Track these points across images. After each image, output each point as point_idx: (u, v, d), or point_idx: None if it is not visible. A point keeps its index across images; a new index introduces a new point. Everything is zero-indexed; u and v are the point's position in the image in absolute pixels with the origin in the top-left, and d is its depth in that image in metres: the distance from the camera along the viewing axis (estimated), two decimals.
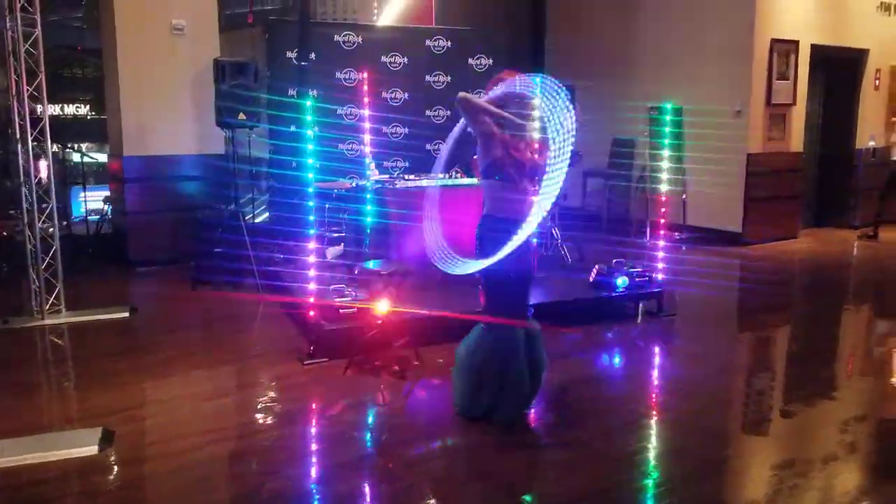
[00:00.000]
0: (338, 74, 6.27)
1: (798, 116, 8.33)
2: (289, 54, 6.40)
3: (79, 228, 7.55)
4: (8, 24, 4.78)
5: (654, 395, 4.11)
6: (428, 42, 6.94)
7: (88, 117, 12.06)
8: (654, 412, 3.83)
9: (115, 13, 6.34)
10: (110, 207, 7.28)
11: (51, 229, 5.16)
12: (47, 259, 5.16)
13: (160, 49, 6.49)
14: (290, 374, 4.14)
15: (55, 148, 7.05)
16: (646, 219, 8.38)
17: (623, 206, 9.06)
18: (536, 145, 3.36)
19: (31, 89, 4.89)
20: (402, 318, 4.27)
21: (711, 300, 6.02)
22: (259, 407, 3.76)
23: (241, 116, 5.61)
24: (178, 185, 6.65)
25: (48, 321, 5.10)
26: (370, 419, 3.67)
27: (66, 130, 8.80)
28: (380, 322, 4.18)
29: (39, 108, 5.00)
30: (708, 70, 8.11)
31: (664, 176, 5.55)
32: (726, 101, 7.97)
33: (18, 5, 4.74)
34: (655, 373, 4.52)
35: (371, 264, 4.51)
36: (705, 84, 8.14)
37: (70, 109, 12.29)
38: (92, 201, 7.91)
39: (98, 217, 7.47)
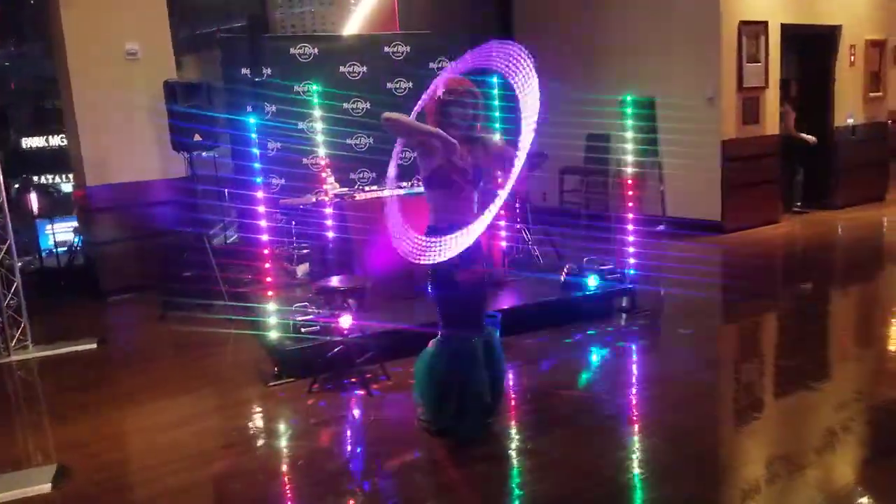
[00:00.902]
0: (296, 87, 6.17)
1: (772, 99, 8.25)
2: (244, 71, 6.30)
3: (51, 261, 7.46)
4: None
5: (624, 397, 4.01)
6: (386, 49, 6.85)
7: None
8: (627, 414, 3.74)
9: (66, 41, 6.26)
10: (79, 238, 7.19)
11: (13, 265, 5.07)
12: (9, 295, 5.06)
13: (114, 75, 6.40)
14: (253, 398, 4.05)
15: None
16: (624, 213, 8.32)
17: (602, 202, 8.98)
18: (484, 146, 3.27)
19: None
20: (367, 333, 4.18)
21: (689, 293, 5.94)
22: (217, 434, 3.65)
23: (197, 137, 5.53)
24: (144, 211, 6.55)
25: (14, 357, 5.00)
26: (333, 438, 3.57)
27: (32, 162, 8.69)
28: (343, 338, 4.08)
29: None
30: (677, 59, 8.04)
31: (629, 164, 5.41)
32: (698, 88, 7.90)
33: None
34: (626, 373, 4.41)
35: (333, 280, 4.41)
36: (676, 73, 8.08)
37: (56, 140, 12.22)
38: (63, 232, 7.82)
39: (67, 249, 7.37)
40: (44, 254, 7.58)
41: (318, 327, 4.23)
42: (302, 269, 5.77)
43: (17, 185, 7.84)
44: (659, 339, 4.98)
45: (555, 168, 8.93)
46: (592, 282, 5.09)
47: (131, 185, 6.55)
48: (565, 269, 5.23)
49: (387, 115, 3.06)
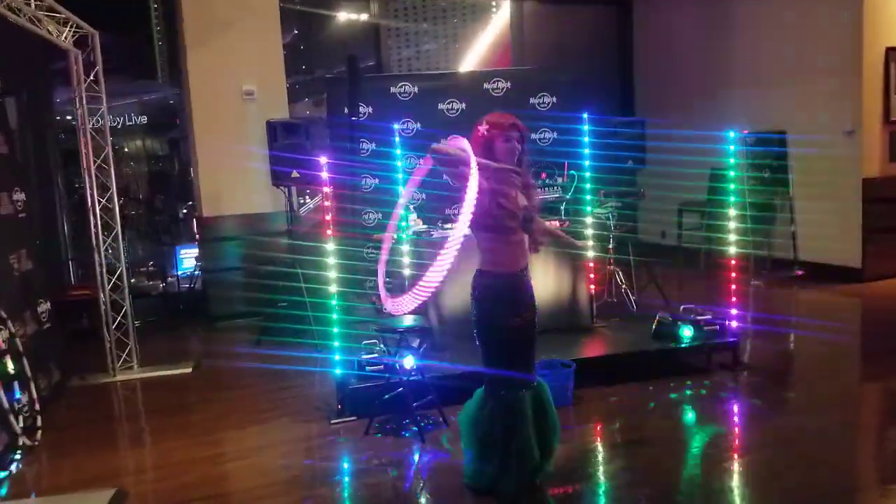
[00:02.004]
0: (395, 126, 6.26)
1: None
2: (346, 111, 6.51)
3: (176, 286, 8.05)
4: (77, 103, 5.20)
5: (696, 461, 3.55)
6: (486, 85, 6.80)
7: None
8: (696, 479, 3.30)
9: (190, 79, 6.79)
10: (198, 265, 7.70)
11: (125, 290, 5.49)
12: (118, 318, 5.47)
13: (232, 114, 6.84)
14: (314, 435, 4.04)
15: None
16: (749, 256, 7.63)
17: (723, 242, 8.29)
18: (526, 185, 3.07)
19: (98, 161, 5.28)
20: (427, 375, 4.05)
21: (807, 349, 5.27)
22: (266, 470, 3.66)
23: (295, 174, 5.72)
24: (252, 242, 6.89)
25: (119, 377, 5.38)
26: (375, 489, 3.44)
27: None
28: (401, 380, 3.98)
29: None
30: (811, 89, 7.31)
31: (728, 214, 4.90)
32: (835, 121, 7.12)
33: (84, 85, 5.16)
34: (705, 436, 3.92)
35: (397, 320, 4.32)
36: (809, 105, 7.35)
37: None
38: (189, 258, 8.42)
39: (189, 275, 7.92)
40: (180, 278, 8.21)
41: (382, 366, 4.16)
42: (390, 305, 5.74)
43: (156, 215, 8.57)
44: (758, 400, 4.39)
45: (674, 203, 8.37)
46: (686, 333, 4.63)
47: (242, 217, 6.92)
48: (657, 318, 4.81)
49: (435, 145, 2.95)
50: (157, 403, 4.88)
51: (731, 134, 4.83)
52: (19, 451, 3.86)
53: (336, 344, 4.20)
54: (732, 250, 4.85)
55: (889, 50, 6.93)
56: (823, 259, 7.34)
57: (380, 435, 3.95)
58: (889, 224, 6.96)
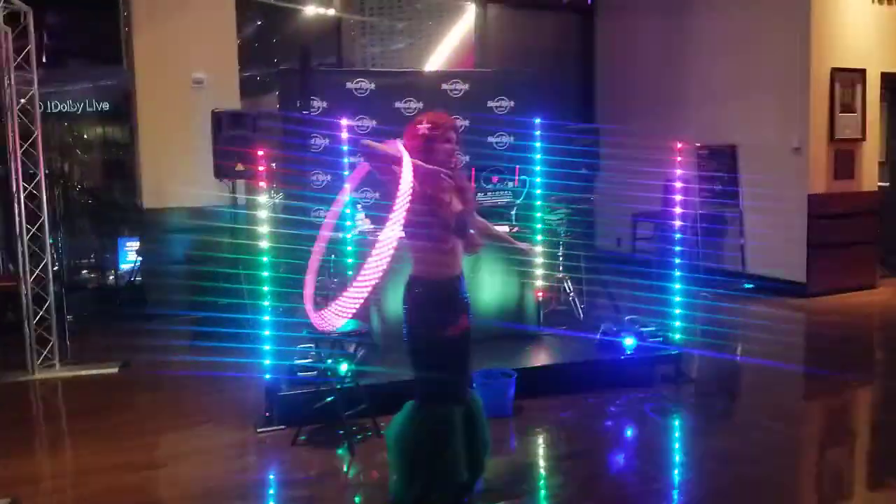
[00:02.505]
0: (348, 122, 6.09)
1: (870, 151, 7.40)
2: (299, 104, 6.30)
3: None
4: (5, 83, 4.89)
5: (635, 477, 3.48)
6: (444, 86, 6.67)
7: None
8: (635, 496, 3.22)
9: (136, 65, 6.52)
10: (137, 259, 7.38)
11: (48, 283, 5.18)
12: (41, 313, 5.16)
13: (179, 101, 6.56)
14: (237, 443, 3.84)
15: None
16: (699, 266, 7.67)
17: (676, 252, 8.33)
18: (461, 188, 2.92)
19: (26, 145, 4.98)
20: (367, 382, 3.88)
21: (748, 363, 5.27)
22: (181, 481, 3.45)
23: (239, 167, 5.50)
24: (192, 236, 6.61)
25: (39, 376, 5.07)
26: (295, 501, 3.27)
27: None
28: (333, 388, 3.80)
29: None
30: (761, 105, 7.39)
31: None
32: (783, 137, 7.21)
33: (13, 64, 4.85)
34: (645, 449, 3.85)
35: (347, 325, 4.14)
36: (759, 120, 7.43)
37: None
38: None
39: (130, 269, 7.58)
40: (118, 272, 7.84)
41: (315, 373, 3.98)
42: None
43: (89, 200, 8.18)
44: (697, 413, 4.36)
45: (628, 211, 8.36)
46: (629, 343, 4.57)
47: (184, 209, 6.64)
48: (601, 328, 4.74)
49: (365, 140, 2.78)
50: (74, 405, 4.61)
51: (679, 145, 4.76)
52: None
53: (266, 347, 4.00)
54: (680, 261, 4.79)
55: (834, 70, 7.04)
56: (771, 273, 7.42)
57: (310, 445, 3.77)
58: (833, 240, 7.06)
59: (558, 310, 5.50)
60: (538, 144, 4.93)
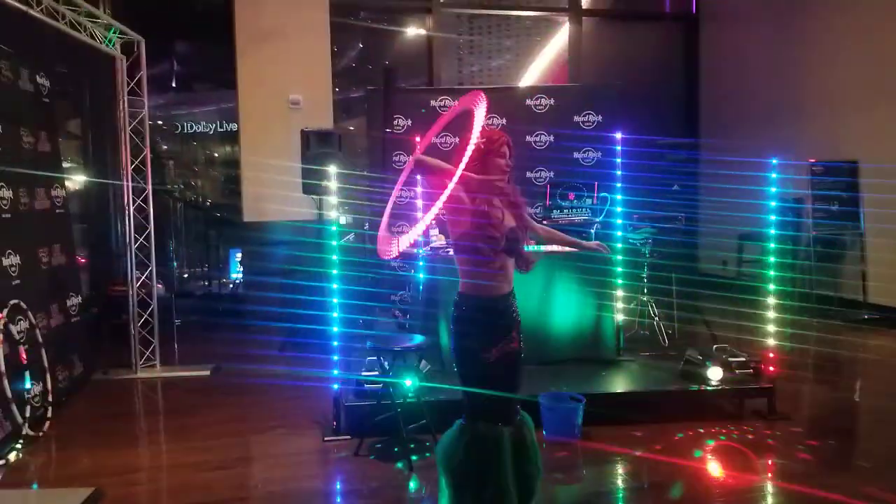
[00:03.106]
0: (434, 140, 6.15)
1: None
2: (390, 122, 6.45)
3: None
4: (120, 107, 5.35)
5: None
6: (528, 101, 6.60)
7: None
8: None
9: (239, 89, 6.94)
10: (240, 269, 7.82)
11: (153, 290, 5.59)
12: (144, 316, 5.57)
13: (276, 121, 6.93)
14: (304, 450, 3.94)
15: None
16: (811, 294, 7.08)
17: (787, 278, 7.73)
18: (516, 206, 2.85)
19: (136, 162, 5.42)
20: (422, 398, 3.87)
21: (857, 402, 4.76)
22: (251, 483, 3.59)
23: (325, 184, 5.69)
24: (288, 248, 6.92)
25: (141, 375, 5.47)
26: None
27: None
28: (395, 402, 3.82)
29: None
30: (887, 116, 6.73)
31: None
32: None
33: (126, 89, 5.31)
34: (716, 488, 3.55)
35: (415, 339, 4.15)
36: (885, 133, 6.77)
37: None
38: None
39: (235, 277, 8.06)
40: (221, 281, 8.36)
41: (381, 385, 4.01)
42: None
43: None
44: (786, 453, 3.97)
45: (734, 233, 7.88)
46: (713, 374, 4.26)
47: (278, 224, 6.98)
48: (685, 356, 4.46)
49: (420, 157, 2.78)
50: (168, 404, 4.93)
51: (774, 161, 4.42)
52: (20, 441, 3.94)
53: (335, 358, 4.09)
54: (789, 287, 4.43)
55: None
56: (894, 302, 6.71)
57: (374, 457, 3.80)
58: None
59: (642, 334, 5.23)
60: (618, 160, 4.75)
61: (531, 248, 4.15)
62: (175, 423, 4.45)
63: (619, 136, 4.78)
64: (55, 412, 4.36)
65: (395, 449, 3.81)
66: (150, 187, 5.50)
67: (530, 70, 9.47)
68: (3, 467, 3.71)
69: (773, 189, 4.44)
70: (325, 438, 4.02)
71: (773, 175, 4.41)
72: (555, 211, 5.02)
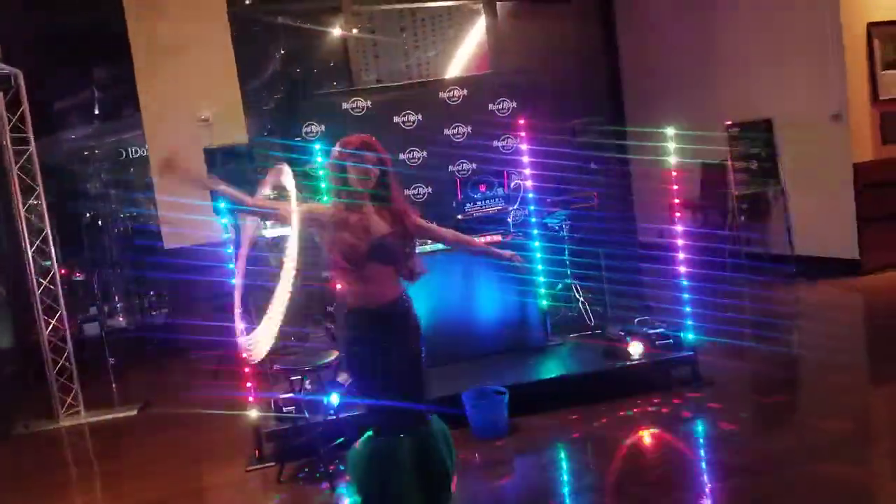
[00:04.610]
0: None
1: None
2: (303, 129, 6.28)
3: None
4: (2, 143, 5.08)
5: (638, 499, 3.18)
6: (442, 94, 6.50)
7: None
8: None
9: (143, 109, 6.72)
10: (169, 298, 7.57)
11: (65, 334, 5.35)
12: (61, 362, 5.33)
13: (188, 140, 6.69)
14: (224, 483, 3.81)
15: None
16: (741, 252, 7.18)
17: (719, 240, 7.83)
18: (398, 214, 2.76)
19: (28, 202, 5.16)
20: (341, 415, 3.76)
21: (784, 357, 4.80)
22: None
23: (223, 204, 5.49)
24: (209, 275, 6.69)
25: (65, 423, 5.23)
26: None
27: None
28: (314, 421, 3.70)
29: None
30: (794, 73, 6.83)
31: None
32: (820, 105, 6.63)
33: (8, 126, 5.04)
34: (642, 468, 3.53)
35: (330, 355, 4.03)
36: (794, 89, 6.87)
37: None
38: None
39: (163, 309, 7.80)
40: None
41: (298, 406, 3.88)
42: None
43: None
44: (709, 421, 3.97)
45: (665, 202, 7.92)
46: (634, 349, 4.25)
47: (197, 249, 6.75)
48: (606, 334, 4.44)
49: (242, 199, 2.62)
50: (87, 453, 4.80)
51: (670, 130, 4.41)
52: None
53: (248, 384, 3.94)
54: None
55: (871, 25, 6.43)
56: (820, 252, 6.84)
57: (295, 481, 3.67)
58: (886, 211, 6.42)
59: (570, 317, 5.19)
60: (524, 147, 4.69)
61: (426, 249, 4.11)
62: (95, 470, 4.28)
63: (521, 122, 4.71)
64: None
65: (318, 471, 3.67)
66: (47, 227, 5.25)
67: (453, 64, 9.39)
68: None
69: (671, 158, 4.41)
70: (248, 468, 3.88)
71: (671, 145, 4.39)
72: (468, 204, 4.94)
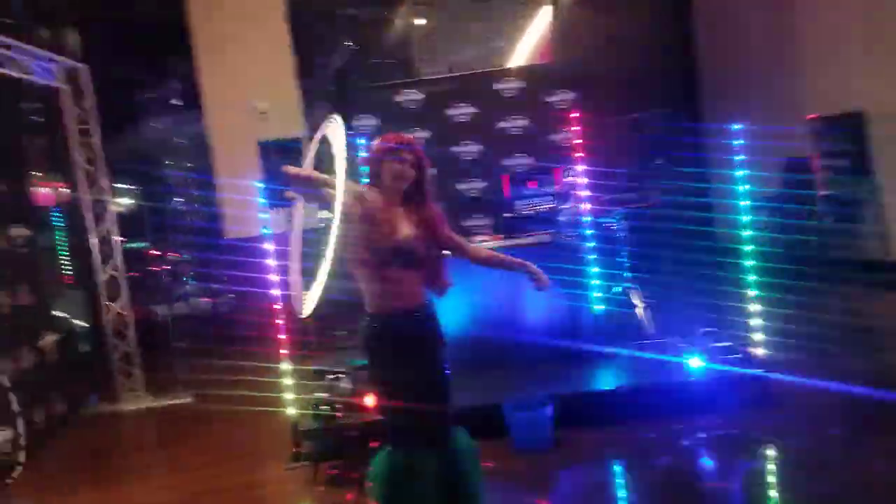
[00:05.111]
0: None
1: None
2: (354, 122, 6.23)
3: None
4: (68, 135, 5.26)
5: None
6: (497, 86, 6.29)
7: None
8: None
9: (205, 104, 6.85)
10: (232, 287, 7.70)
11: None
12: (122, 347, 5.49)
13: (246, 133, 6.77)
14: (263, 481, 3.80)
15: None
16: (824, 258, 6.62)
17: (801, 243, 7.27)
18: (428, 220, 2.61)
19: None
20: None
21: (871, 376, 4.33)
22: None
23: (289, 195, 5.49)
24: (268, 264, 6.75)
25: (125, 406, 5.40)
26: None
27: None
28: (352, 423, 3.63)
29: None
30: (890, 61, 6.22)
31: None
32: None
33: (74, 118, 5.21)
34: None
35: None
36: (888, 79, 6.25)
37: None
38: None
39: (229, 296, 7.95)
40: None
41: (337, 407, 3.82)
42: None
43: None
44: (778, 448, 3.61)
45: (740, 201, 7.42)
46: (696, 363, 3.94)
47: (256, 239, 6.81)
48: (665, 346, 4.15)
49: (286, 167, 2.56)
50: (142, 438, 4.90)
51: (736, 127, 4.05)
52: None
53: (289, 382, 3.91)
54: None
55: None
56: None
57: (329, 482, 3.61)
58: None
59: (625, 324, 4.88)
60: (579, 141, 4.43)
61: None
62: (143, 459, 4.37)
63: (578, 114, 4.45)
64: (34, 454, 4.26)
65: (350, 475, 3.60)
66: (114, 217, 5.40)
67: (516, 54, 9.16)
68: None
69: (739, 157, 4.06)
70: (287, 466, 3.85)
71: (736, 142, 4.04)
72: (516, 201, 4.72)
